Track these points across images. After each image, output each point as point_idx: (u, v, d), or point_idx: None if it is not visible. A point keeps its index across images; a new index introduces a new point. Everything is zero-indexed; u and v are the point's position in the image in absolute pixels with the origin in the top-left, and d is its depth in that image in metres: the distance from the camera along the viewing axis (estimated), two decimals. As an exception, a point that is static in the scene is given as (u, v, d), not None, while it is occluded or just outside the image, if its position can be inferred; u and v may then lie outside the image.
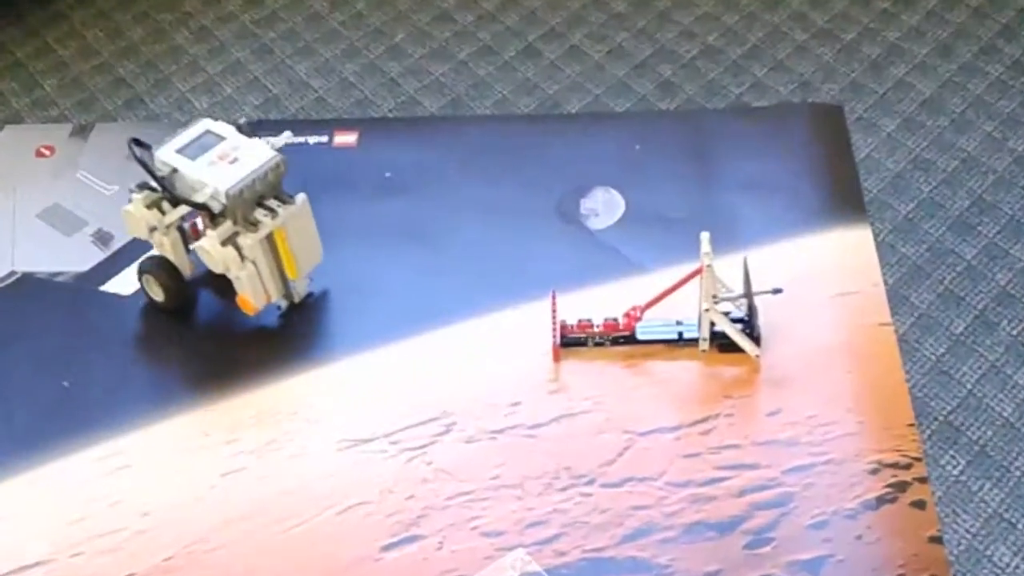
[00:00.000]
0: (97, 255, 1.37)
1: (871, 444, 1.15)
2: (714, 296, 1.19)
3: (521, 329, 1.27)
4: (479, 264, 1.33)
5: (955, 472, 1.17)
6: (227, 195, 1.18)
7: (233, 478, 1.17)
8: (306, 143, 1.47)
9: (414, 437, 1.19)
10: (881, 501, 1.11)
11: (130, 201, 1.25)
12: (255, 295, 1.23)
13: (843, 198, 1.38)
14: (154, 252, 1.28)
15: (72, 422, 1.21)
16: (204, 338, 1.29)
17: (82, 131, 1.52)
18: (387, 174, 1.42)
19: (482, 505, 1.13)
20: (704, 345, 1.23)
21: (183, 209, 1.23)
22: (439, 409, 1.21)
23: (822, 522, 1.10)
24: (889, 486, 1.12)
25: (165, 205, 1.24)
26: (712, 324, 1.21)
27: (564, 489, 1.14)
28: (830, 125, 1.47)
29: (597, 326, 1.24)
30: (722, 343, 1.22)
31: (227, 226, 1.20)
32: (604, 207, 1.39)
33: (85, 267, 1.36)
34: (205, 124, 1.25)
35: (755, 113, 1.51)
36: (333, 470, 1.17)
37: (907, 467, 1.13)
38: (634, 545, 1.10)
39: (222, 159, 1.21)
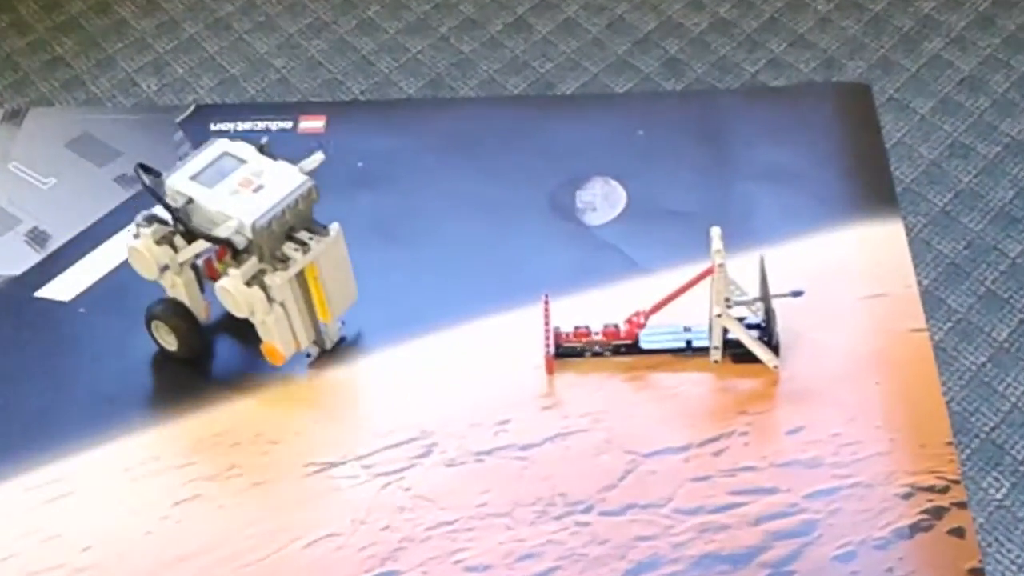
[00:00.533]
0: (32, 257, 1.37)
1: (904, 465, 1.16)
2: (727, 299, 1.19)
3: (510, 338, 1.27)
4: (462, 265, 1.33)
5: (998, 496, 1.17)
6: (253, 228, 1.15)
7: (187, 508, 1.17)
8: (267, 129, 1.47)
9: (390, 460, 1.19)
10: (915, 529, 1.11)
11: (136, 236, 1.21)
12: (283, 343, 1.21)
13: (872, 189, 1.39)
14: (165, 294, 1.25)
15: (2, 445, 1.21)
16: (154, 350, 1.29)
17: (14, 116, 1.52)
18: (359, 164, 1.42)
19: (467, 536, 1.13)
20: (716, 355, 1.23)
21: (201, 245, 1.20)
22: (418, 428, 1.21)
23: (849, 553, 1.10)
24: (924, 512, 1.12)
25: (178, 240, 1.21)
26: (725, 331, 1.21)
27: (559, 518, 1.14)
28: (857, 107, 1.48)
29: (595, 334, 1.24)
30: (736, 352, 1.23)
31: (252, 263, 1.17)
32: (603, 200, 1.39)
33: (18, 270, 1.36)
34: (221, 145, 1.21)
35: (772, 94, 1.51)
36: (299, 498, 1.17)
37: (944, 491, 1.14)
38: (638, 580, 1.10)
39: (245, 186, 1.17)
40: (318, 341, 1.25)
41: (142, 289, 1.32)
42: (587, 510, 1.14)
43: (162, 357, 1.27)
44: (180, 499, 1.17)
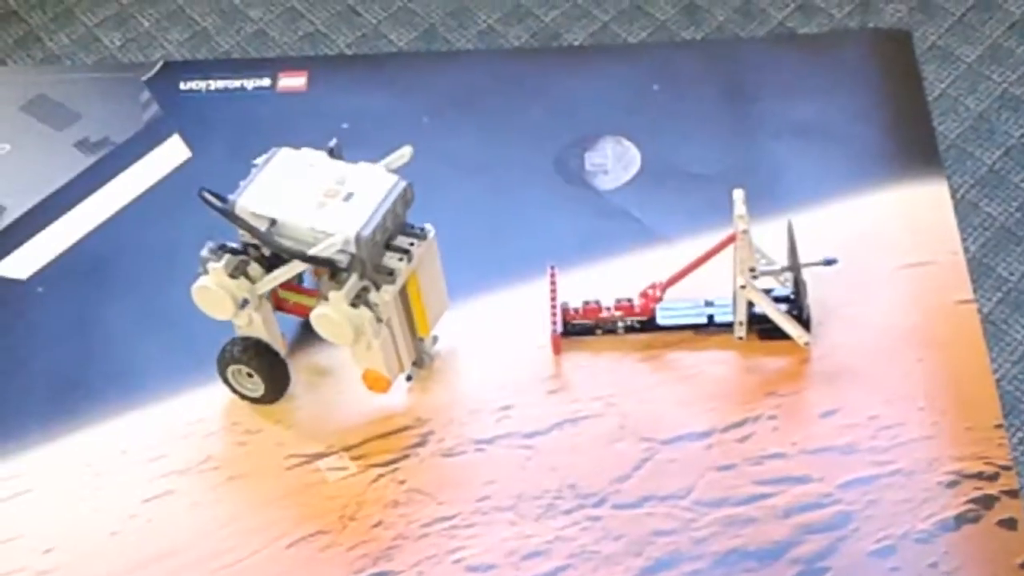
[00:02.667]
0: (-16, 231, 1.38)
1: (948, 450, 1.16)
2: (752, 270, 1.19)
3: (513, 315, 1.27)
4: (460, 236, 1.32)
5: (1053, 483, 1.18)
6: (358, 242, 1.12)
7: (158, 505, 1.17)
8: (243, 88, 1.47)
9: (382, 450, 1.19)
10: (961, 520, 1.12)
11: (203, 273, 1.17)
12: (389, 367, 1.18)
13: (913, 146, 1.39)
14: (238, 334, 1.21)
15: (-44, 438, 1.22)
16: (120, 332, 1.29)
17: (-36, 77, 1.52)
18: (344, 125, 1.42)
19: (467, 533, 1.14)
20: (740, 331, 1.23)
21: (292, 268, 1.15)
22: (412, 416, 1.21)
23: (888, 547, 1.11)
24: (971, 502, 1.13)
25: (252, 269, 1.17)
26: (750, 305, 1.22)
27: (568, 512, 1.14)
28: (896, 55, 1.48)
29: (607, 309, 1.24)
30: (763, 328, 1.23)
31: (354, 282, 1.13)
32: (614, 162, 1.39)
33: (-31, 246, 1.36)
34: (284, 156, 1.18)
35: (802, 42, 1.51)
36: (282, 493, 1.17)
37: (993, 478, 1.14)
38: (656, 580, 1.10)
39: (331, 196, 1.14)
40: (417, 360, 1.23)
41: (107, 264, 1.33)
42: (599, 503, 1.15)
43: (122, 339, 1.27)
44: (150, 496, 1.18)
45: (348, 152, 1.36)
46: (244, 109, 1.45)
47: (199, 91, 1.48)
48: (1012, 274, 1.32)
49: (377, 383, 1.19)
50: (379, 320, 1.15)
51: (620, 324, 1.24)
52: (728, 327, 1.23)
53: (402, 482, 1.17)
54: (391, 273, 1.14)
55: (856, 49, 1.48)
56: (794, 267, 1.22)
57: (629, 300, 1.24)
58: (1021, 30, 1.51)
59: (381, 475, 1.18)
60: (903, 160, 1.37)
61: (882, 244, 1.30)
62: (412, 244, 1.16)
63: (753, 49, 1.50)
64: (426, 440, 1.20)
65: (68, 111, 1.47)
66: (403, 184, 1.15)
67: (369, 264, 1.13)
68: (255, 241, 1.15)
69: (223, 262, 1.15)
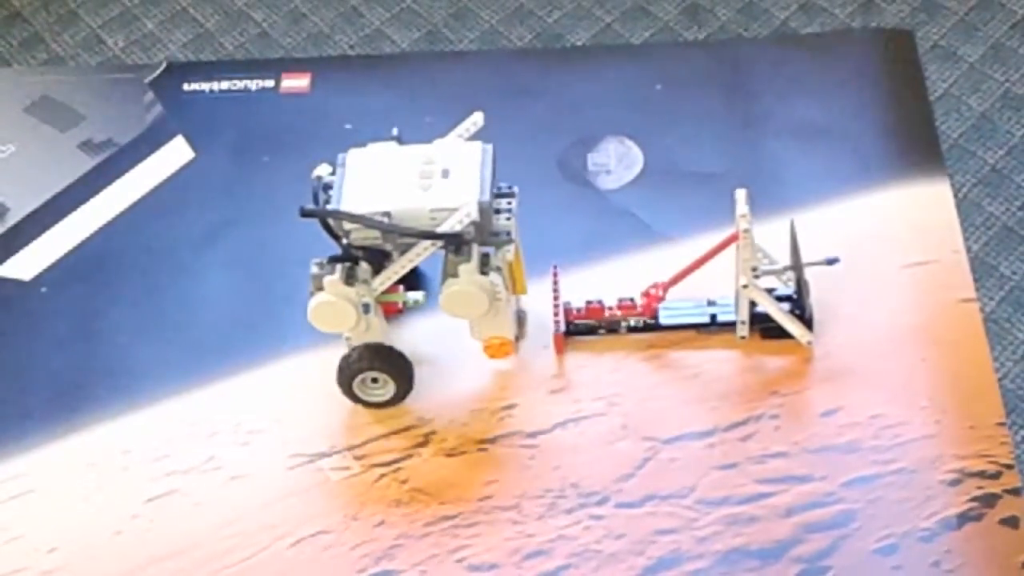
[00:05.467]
0: (-13, 232, 1.38)
1: (951, 449, 1.15)
2: (754, 269, 1.19)
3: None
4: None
5: (1056, 482, 1.17)
6: (481, 209, 1.13)
7: (161, 505, 1.17)
8: (247, 89, 1.47)
9: (384, 450, 1.19)
10: (964, 519, 1.11)
11: (316, 290, 1.15)
12: (511, 330, 1.20)
13: (915, 146, 1.38)
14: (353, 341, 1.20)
15: (-40, 439, 1.22)
16: (124, 332, 1.29)
17: (-32, 79, 1.52)
18: (347, 126, 1.42)
19: (469, 532, 1.14)
20: (743, 330, 1.23)
21: (419, 254, 1.14)
22: (414, 415, 1.21)
23: (891, 546, 1.10)
24: (974, 500, 1.12)
25: (359, 271, 1.16)
26: (752, 304, 1.21)
27: (571, 511, 1.14)
28: (898, 55, 1.47)
29: (610, 309, 1.24)
30: (765, 327, 1.23)
31: (476, 251, 1.14)
32: (617, 162, 1.39)
33: (-27, 247, 1.36)
34: (355, 156, 1.17)
35: (804, 42, 1.51)
36: (284, 493, 1.17)
37: (996, 476, 1.14)
38: (658, 579, 1.10)
39: (428, 178, 1.15)
40: (519, 320, 1.23)
41: (111, 265, 1.33)
42: (602, 502, 1.15)
43: (125, 342, 1.27)
44: (153, 495, 1.18)
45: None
46: (248, 110, 1.45)
47: (203, 92, 1.48)
48: (1014, 273, 1.31)
49: (501, 349, 1.20)
50: (504, 285, 1.16)
51: (623, 324, 1.24)
52: (731, 326, 1.23)
53: (404, 482, 1.17)
54: (508, 234, 1.16)
55: (858, 49, 1.48)
56: (796, 266, 1.22)
57: (631, 300, 1.24)
58: (1023, 30, 1.50)
59: (383, 475, 1.18)
60: (905, 160, 1.37)
61: (884, 243, 1.30)
62: (509, 203, 1.17)
63: (756, 49, 1.50)
64: (428, 440, 1.20)
65: (72, 112, 1.47)
66: (490, 147, 1.17)
67: (486, 230, 1.15)
68: (365, 242, 1.15)
69: (337, 273, 1.15)
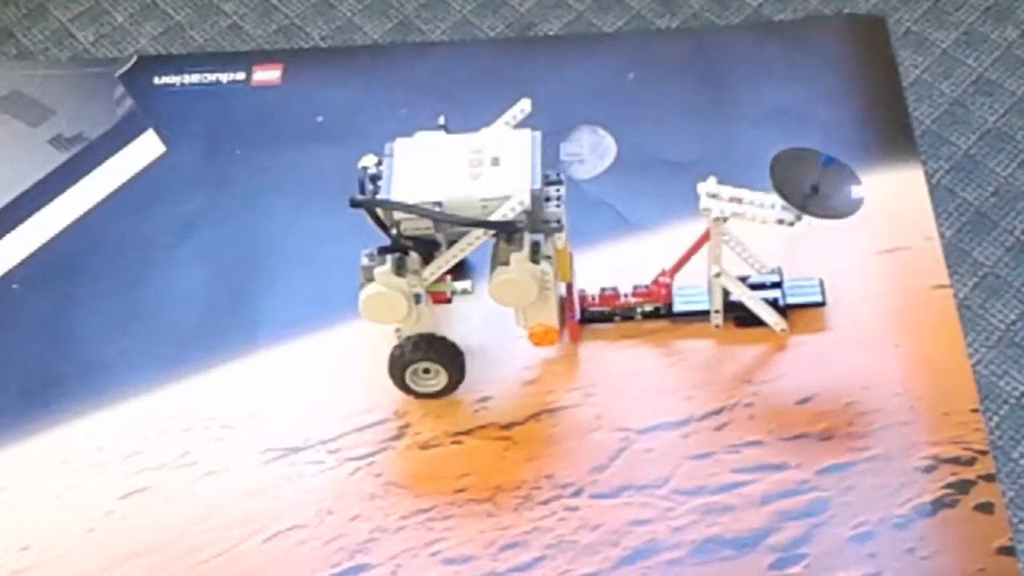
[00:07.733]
0: (-41, 229, 1.37)
1: (925, 436, 1.16)
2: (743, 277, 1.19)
3: (487, 306, 1.26)
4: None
5: (1030, 467, 1.18)
6: (533, 197, 1.12)
7: (134, 501, 1.17)
8: (218, 82, 1.46)
9: (358, 443, 1.19)
10: (938, 505, 1.12)
11: (367, 281, 1.15)
12: (557, 319, 1.20)
13: (888, 132, 1.38)
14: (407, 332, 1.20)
15: (-70, 437, 1.21)
16: (95, 328, 1.29)
17: (-64, 74, 1.51)
18: (319, 118, 1.42)
19: (444, 525, 1.14)
20: (717, 319, 1.23)
21: (470, 243, 1.14)
22: (388, 408, 1.21)
23: (865, 533, 1.10)
24: (948, 487, 1.13)
25: (409, 261, 1.15)
26: (726, 293, 1.21)
27: (546, 502, 1.14)
28: (870, 41, 1.47)
29: (625, 296, 1.23)
30: (739, 316, 1.23)
31: (527, 239, 1.15)
32: (590, 151, 1.39)
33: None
34: (402, 146, 1.16)
35: (777, 29, 1.51)
36: (258, 487, 1.17)
37: (970, 463, 1.14)
38: (634, 568, 1.10)
39: (478, 166, 1.14)
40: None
41: (83, 260, 1.32)
42: (576, 493, 1.15)
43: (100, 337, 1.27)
44: (126, 492, 1.17)
45: (324, 145, 1.36)
46: (219, 103, 1.45)
47: (173, 86, 1.47)
48: (987, 259, 1.31)
49: (547, 336, 1.20)
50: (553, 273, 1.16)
51: (638, 311, 1.23)
52: (740, 307, 1.22)
53: (379, 475, 1.17)
54: (558, 221, 1.16)
55: (831, 35, 1.48)
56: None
57: (645, 287, 1.23)
58: (996, 15, 1.51)
59: (358, 468, 1.17)
60: (878, 145, 1.37)
61: (857, 230, 1.29)
62: (558, 190, 1.16)
63: (728, 36, 1.50)
64: (403, 433, 1.19)
65: (42, 107, 1.46)
66: (539, 135, 1.16)
67: (537, 218, 1.15)
68: (415, 233, 1.14)
69: (388, 264, 1.15)
